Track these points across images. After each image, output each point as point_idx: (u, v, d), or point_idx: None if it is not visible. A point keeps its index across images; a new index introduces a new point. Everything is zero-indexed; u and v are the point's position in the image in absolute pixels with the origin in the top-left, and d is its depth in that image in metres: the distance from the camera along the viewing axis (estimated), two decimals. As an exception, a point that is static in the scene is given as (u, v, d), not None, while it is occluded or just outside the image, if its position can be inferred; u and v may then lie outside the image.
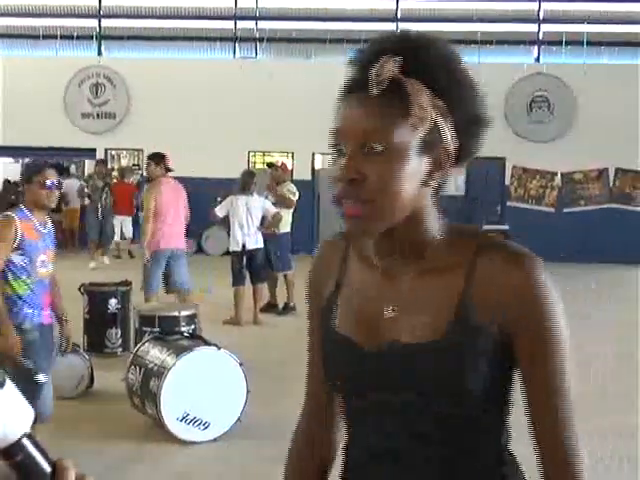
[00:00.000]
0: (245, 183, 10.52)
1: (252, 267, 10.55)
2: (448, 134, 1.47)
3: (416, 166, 1.45)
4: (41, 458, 1.07)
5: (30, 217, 4.90)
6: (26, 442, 1.06)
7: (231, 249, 10.65)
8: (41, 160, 5.21)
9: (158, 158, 9.45)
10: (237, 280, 10.52)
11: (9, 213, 4.86)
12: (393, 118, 1.43)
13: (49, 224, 5.09)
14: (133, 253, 17.99)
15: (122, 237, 18.98)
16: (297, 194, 11.58)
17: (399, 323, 1.52)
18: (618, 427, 6.40)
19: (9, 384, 1.04)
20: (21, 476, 1.06)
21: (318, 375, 1.70)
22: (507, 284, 1.46)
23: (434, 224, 1.54)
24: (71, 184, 20.33)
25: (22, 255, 4.86)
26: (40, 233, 4.96)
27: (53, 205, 5.01)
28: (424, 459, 1.53)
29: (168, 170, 9.52)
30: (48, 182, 4.89)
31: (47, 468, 1.07)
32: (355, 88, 1.49)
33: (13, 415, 1.05)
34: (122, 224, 18.62)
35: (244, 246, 10.40)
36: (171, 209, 9.33)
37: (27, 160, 23.50)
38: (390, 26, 20.24)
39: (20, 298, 4.90)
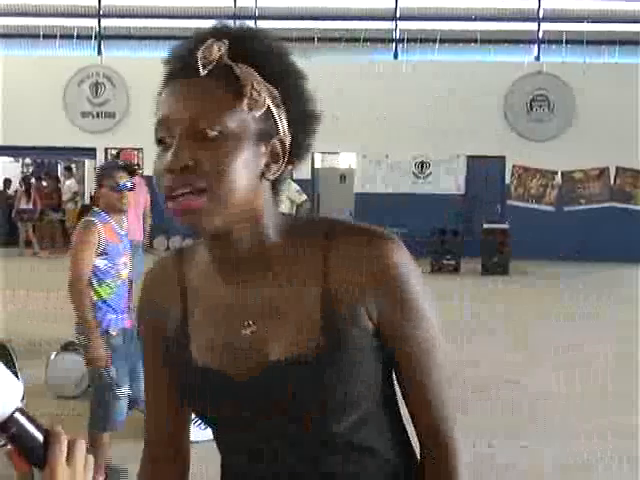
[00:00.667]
0: None
1: None
2: (284, 124, 1.37)
3: (252, 155, 1.33)
4: (34, 429, 1.13)
5: (109, 220, 4.86)
6: (18, 416, 1.12)
7: None
8: (112, 162, 5.22)
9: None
10: None
11: (90, 218, 4.80)
12: (226, 101, 1.32)
13: (125, 224, 5.06)
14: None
15: None
16: (303, 193, 11.61)
17: (262, 340, 1.38)
18: (618, 427, 6.39)
19: None
20: (17, 447, 1.12)
21: (162, 404, 1.57)
22: (363, 268, 1.35)
23: (276, 225, 1.41)
24: (72, 184, 20.40)
25: (106, 259, 4.80)
26: (119, 235, 4.94)
27: (126, 207, 4.96)
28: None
29: (136, 170, 9.95)
30: (120, 184, 4.87)
31: (40, 437, 1.13)
32: (176, 74, 1.37)
33: (3, 392, 1.10)
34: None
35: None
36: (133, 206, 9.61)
37: (27, 159, 23.56)
38: (389, 25, 20.25)
39: (105, 303, 4.83)
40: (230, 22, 1.43)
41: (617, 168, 19.35)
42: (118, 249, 4.89)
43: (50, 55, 20.86)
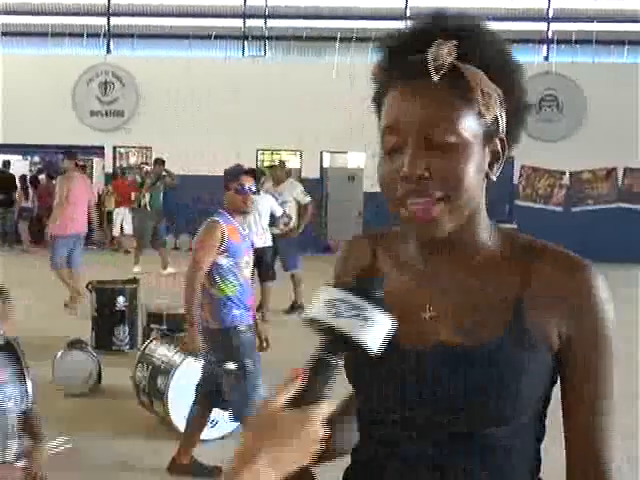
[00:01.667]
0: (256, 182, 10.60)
1: (260, 266, 10.56)
2: (504, 122, 1.37)
3: (481, 158, 1.34)
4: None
5: (232, 220, 5.18)
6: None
7: None
8: (238, 167, 5.45)
9: (71, 154, 11.49)
10: None
11: (215, 218, 5.11)
12: (459, 107, 1.30)
13: (246, 225, 5.50)
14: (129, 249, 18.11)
15: (122, 231, 19.14)
16: (307, 194, 11.67)
17: (444, 325, 1.39)
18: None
19: None
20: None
21: None
22: (565, 291, 1.37)
23: (486, 225, 1.45)
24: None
25: (228, 257, 5.08)
26: (242, 235, 5.27)
27: (250, 209, 5.36)
28: None
29: (77, 165, 11.84)
30: (245, 187, 5.20)
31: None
32: (405, 76, 1.33)
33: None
34: (123, 218, 18.87)
35: (253, 245, 10.43)
36: (80, 198, 11.11)
37: (35, 158, 23.58)
38: (399, 24, 20.21)
39: (229, 299, 5.08)
40: (450, 16, 1.36)
41: (625, 169, 19.30)
42: (240, 248, 5.20)
43: (59, 54, 20.88)
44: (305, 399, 1.13)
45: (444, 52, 1.29)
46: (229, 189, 5.24)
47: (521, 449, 1.43)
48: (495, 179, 1.40)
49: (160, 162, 15.82)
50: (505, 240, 1.46)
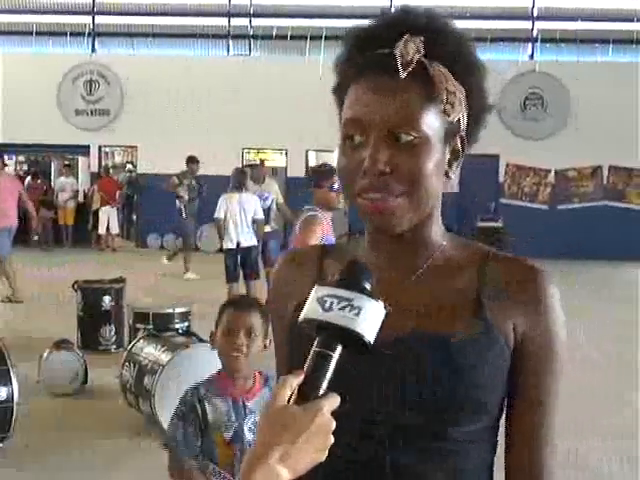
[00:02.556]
0: (238, 181, 10.65)
1: (246, 264, 10.59)
2: (465, 121, 1.37)
3: (441, 155, 1.34)
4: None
5: (324, 216, 5.39)
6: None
7: (225, 247, 10.69)
8: (329, 166, 5.64)
9: None
10: (230, 277, 10.58)
11: (313, 213, 5.34)
12: (423, 104, 1.30)
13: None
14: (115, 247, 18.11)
15: (108, 230, 19.13)
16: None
17: (402, 320, 1.36)
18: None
19: None
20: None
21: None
22: (520, 293, 1.39)
23: (440, 224, 1.45)
24: (68, 182, 20.36)
25: None
26: (331, 230, 5.45)
27: (341, 205, 5.61)
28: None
29: (4, 165, 13.06)
30: (336, 186, 5.38)
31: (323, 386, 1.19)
32: (370, 70, 1.33)
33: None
34: (109, 217, 18.87)
35: (238, 244, 10.48)
36: (6, 193, 11.70)
37: (20, 157, 23.47)
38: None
39: None
40: (417, 13, 1.36)
41: (610, 167, 19.39)
42: (333, 242, 5.33)
43: (44, 52, 20.82)
44: (307, 394, 1.14)
45: (411, 48, 1.29)
46: (321, 187, 5.53)
47: (478, 456, 1.41)
48: (453, 177, 1.39)
49: (194, 160, 14.93)
50: (457, 241, 1.47)
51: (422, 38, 1.29)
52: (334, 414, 1.17)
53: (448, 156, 1.37)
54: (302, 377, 1.14)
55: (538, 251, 18.80)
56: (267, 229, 10.95)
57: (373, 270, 1.30)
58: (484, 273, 1.41)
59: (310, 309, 1.20)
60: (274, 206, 11.44)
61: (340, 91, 1.40)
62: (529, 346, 1.39)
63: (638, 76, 18.65)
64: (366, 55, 1.35)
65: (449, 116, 1.32)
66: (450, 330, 1.35)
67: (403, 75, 1.28)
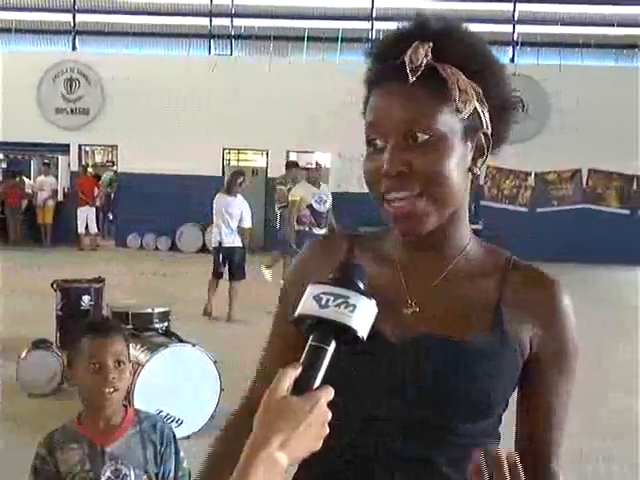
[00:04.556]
0: (227, 183, 10.92)
1: (230, 265, 10.70)
2: (487, 118, 1.43)
3: (461, 153, 1.39)
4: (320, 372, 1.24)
5: None
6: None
7: (210, 245, 10.97)
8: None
9: None
10: (215, 273, 10.80)
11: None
12: (435, 104, 1.36)
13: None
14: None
15: (87, 230, 19.07)
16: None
17: (426, 320, 1.44)
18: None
19: None
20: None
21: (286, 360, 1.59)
22: (537, 303, 1.47)
23: (467, 227, 1.51)
24: (47, 181, 20.27)
25: None
26: None
27: None
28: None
29: None
30: None
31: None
32: (385, 78, 1.40)
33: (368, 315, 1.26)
34: (87, 217, 18.82)
35: (220, 243, 10.63)
36: None
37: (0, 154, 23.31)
38: (366, 25, 20.28)
39: None
40: (429, 20, 1.44)
41: (590, 170, 19.49)
42: None
43: (24, 50, 20.70)
44: (304, 386, 1.18)
45: (420, 54, 1.35)
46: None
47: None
48: (479, 173, 1.45)
49: (296, 165, 14.70)
50: (480, 245, 1.53)
51: (431, 44, 1.36)
52: (346, 410, 1.26)
53: (472, 153, 1.42)
54: (300, 370, 1.18)
55: (518, 254, 18.89)
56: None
57: (400, 270, 1.44)
58: (505, 282, 1.48)
59: (306, 306, 1.24)
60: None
61: (365, 102, 1.47)
62: (546, 351, 1.47)
63: (618, 80, 18.79)
64: (382, 65, 1.43)
65: (461, 112, 1.37)
66: (466, 335, 1.41)
67: (412, 79, 1.35)
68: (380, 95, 1.40)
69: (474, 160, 1.43)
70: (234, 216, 10.55)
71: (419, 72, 1.35)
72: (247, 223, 10.72)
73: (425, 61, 1.35)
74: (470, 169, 1.43)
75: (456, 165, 1.38)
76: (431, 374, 1.40)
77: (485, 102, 1.42)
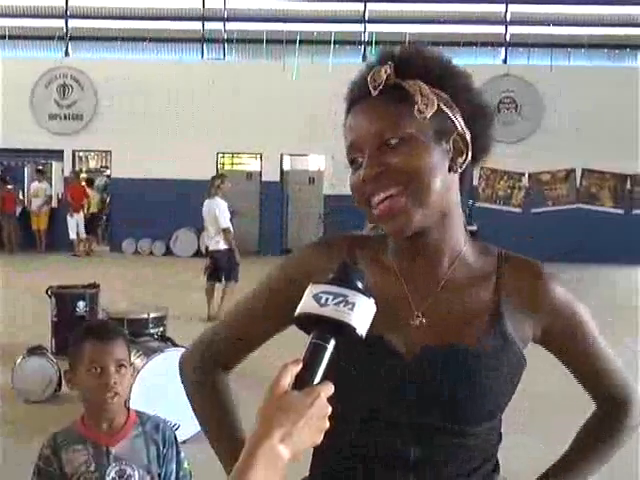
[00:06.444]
0: (208, 187, 10.93)
1: (219, 268, 10.73)
2: (460, 121, 1.50)
3: (436, 152, 1.47)
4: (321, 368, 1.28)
5: None
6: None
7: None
8: None
9: None
10: (209, 277, 10.81)
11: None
12: (401, 111, 1.45)
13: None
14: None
15: (78, 236, 19.07)
16: None
17: (430, 331, 1.50)
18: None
19: None
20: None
21: (257, 327, 1.68)
22: (535, 295, 1.54)
23: (462, 231, 1.56)
24: (41, 187, 20.24)
25: None
26: None
27: None
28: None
29: None
30: None
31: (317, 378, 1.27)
32: (355, 102, 1.53)
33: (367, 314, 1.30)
34: (78, 223, 18.83)
35: (207, 247, 10.78)
36: None
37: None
38: (359, 27, 20.30)
39: None
40: (395, 48, 1.56)
41: (583, 170, 19.53)
42: None
43: (17, 56, 20.68)
44: (304, 381, 1.22)
45: (382, 73, 1.46)
46: None
47: (489, 448, 1.56)
48: (459, 171, 1.51)
49: None
50: (475, 246, 1.59)
51: (391, 63, 1.47)
52: (346, 410, 1.33)
53: (450, 154, 1.49)
54: (300, 366, 1.22)
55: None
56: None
57: (401, 277, 1.53)
58: (501, 282, 1.54)
59: (306, 305, 1.28)
60: None
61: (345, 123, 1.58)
62: (559, 333, 1.57)
63: (610, 80, 18.84)
64: (350, 93, 1.56)
65: (423, 113, 1.44)
66: (470, 342, 1.48)
67: (374, 93, 1.47)
68: (352, 116, 1.52)
69: (453, 160, 1.50)
70: (215, 218, 10.58)
71: (380, 87, 1.46)
72: (222, 223, 10.68)
73: (384, 77, 1.46)
74: (450, 168, 1.49)
75: (433, 163, 1.45)
76: (443, 383, 1.45)
77: (455, 107, 1.49)
